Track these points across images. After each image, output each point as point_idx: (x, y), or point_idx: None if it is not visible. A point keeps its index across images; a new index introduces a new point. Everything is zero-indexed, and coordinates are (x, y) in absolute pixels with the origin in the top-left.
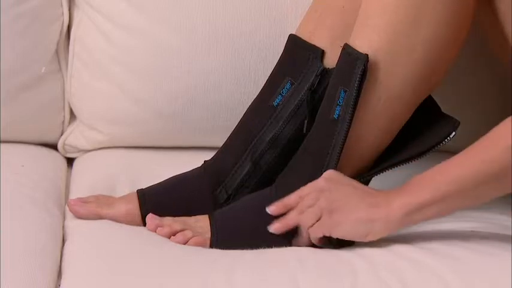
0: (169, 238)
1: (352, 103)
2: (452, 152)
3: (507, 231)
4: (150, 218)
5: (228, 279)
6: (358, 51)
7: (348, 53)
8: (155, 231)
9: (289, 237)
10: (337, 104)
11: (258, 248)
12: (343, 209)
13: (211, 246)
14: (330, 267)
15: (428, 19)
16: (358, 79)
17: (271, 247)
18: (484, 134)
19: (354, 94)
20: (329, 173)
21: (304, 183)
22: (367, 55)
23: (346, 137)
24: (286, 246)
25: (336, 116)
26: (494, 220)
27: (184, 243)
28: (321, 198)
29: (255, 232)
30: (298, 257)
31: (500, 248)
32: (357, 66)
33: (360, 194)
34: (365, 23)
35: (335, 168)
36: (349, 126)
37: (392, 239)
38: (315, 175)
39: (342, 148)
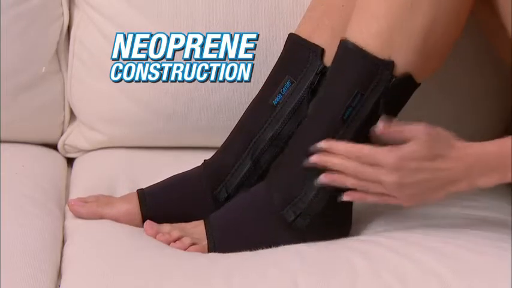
0: (168, 245)
1: (370, 108)
2: None
3: (507, 231)
4: (148, 225)
5: (227, 279)
6: (380, 58)
7: (363, 56)
8: (155, 237)
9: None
10: (350, 106)
11: (257, 248)
12: (418, 196)
13: (209, 252)
14: (330, 266)
15: (427, 3)
16: (386, 87)
17: (270, 246)
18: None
19: (375, 100)
20: (402, 154)
21: (295, 177)
22: (393, 62)
23: (353, 139)
24: (283, 244)
25: (345, 117)
26: (494, 219)
27: (184, 250)
28: (389, 184)
29: (252, 234)
30: (298, 256)
31: (500, 248)
32: (379, 72)
33: (437, 182)
34: (364, 10)
35: None
36: (360, 129)
37: (393, 238)
38: (307, 169)
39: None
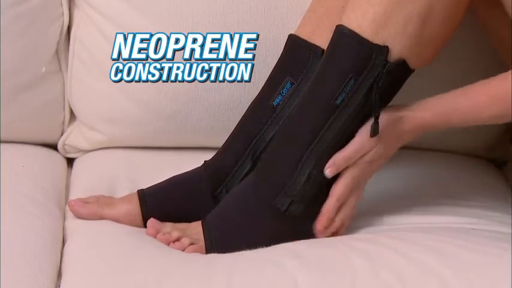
0: (168, 245)
1: (363, 93)
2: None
3: (507, 230)
4: (150, 223)
5: (227, 278)
6: (375, 43)
7: (358, 41)
8: (155, 237)
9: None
10: (343, 91)
11: (254, 244)
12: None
13: (207, 252)
14: (330, 266)
15: None
16: (381, 73)
17: (267, 239)
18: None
19: (368, 85)
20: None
21: (285, 164)
22: (387, 47)
23: (345, 124)
24: (279, 236)
25: (338, 102)
26: (494, 218)
27: (183, 251)
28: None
29: (247, 230)
30: (297, 255)
31: (500, 248)
32: (373, 57)
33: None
34: None
35: (324, 152)
36: (352, 115)
37: (392, 237)
38: (299, 155)
39: (337, 134)
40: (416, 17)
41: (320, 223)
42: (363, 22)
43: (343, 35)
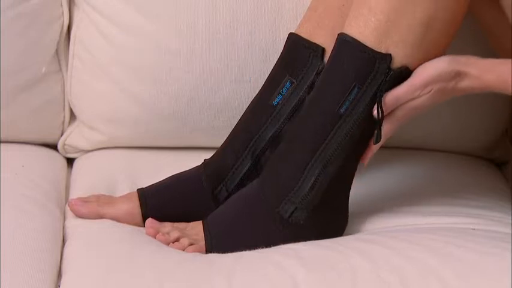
0: (167, 245)
1: (367, 101)
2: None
3: (507, 230)
4: (149, 223)
5: (227, 278)
6: (378, 51)
7: (361, 50)
8: (154, 237)
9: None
10: (347, 99)
11: (254, 248)
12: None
13: (207, 252)
14: (330, 265)
15: None
16: (384, 80)
17: (268, 245)
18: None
19: (372, 93)
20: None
21: (290, 171)
22: (390, 55)
23: (349, 132)
24: (280, 242)
25: (342, 111)
26: (494, 218)
27: (182, 251)
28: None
29: (248, 234)
30: (297, 255)
31: (500, 248)
32: (376, 65)
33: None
34: (362, 5)
35: (329, 160)
36: (356, 123)
37: (393, 238)
38: (303, 163)
39: (342, 142)
40: (419, 25)
41: (366, 159)
42: (365, 30)
43: (345, 43)
